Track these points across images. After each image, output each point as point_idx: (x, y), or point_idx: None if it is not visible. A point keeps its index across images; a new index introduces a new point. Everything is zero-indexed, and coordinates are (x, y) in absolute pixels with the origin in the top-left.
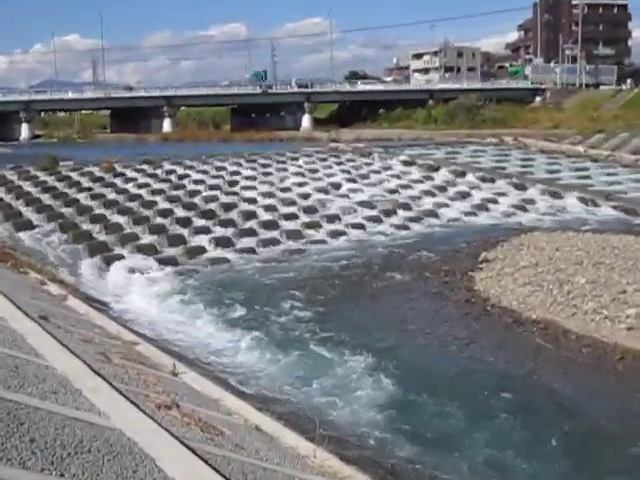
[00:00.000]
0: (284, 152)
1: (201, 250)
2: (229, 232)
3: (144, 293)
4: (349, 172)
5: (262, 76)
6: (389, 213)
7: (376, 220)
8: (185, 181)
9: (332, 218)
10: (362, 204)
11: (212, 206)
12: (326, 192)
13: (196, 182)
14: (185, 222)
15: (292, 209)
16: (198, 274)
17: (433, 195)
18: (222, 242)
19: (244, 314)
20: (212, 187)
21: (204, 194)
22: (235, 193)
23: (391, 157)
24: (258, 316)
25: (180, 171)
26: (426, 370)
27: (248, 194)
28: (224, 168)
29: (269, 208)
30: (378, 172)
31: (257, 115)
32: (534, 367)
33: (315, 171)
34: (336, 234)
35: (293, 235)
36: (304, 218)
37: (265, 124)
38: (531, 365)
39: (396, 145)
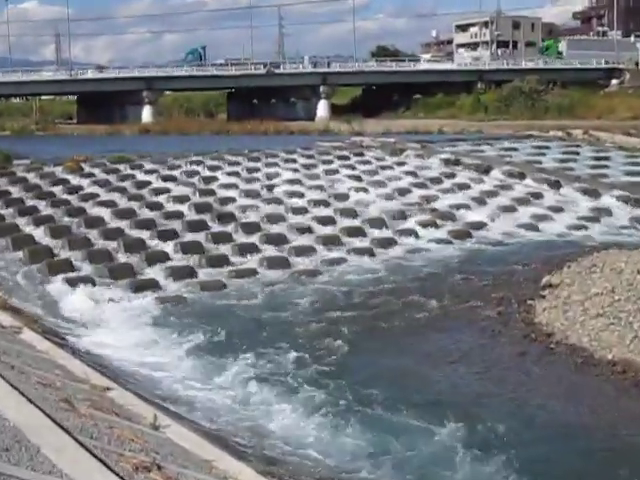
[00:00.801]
0: (294, 149)
1: (189, 272)
2: (224, 249)
3: (118, 325)
4: (375, 173)
5: (199, 55)
6: (426, 225)
7: (410, 234)
8: (170, 184)
9: (355, 232)
10: (393, 215)
11: (205, 216)
12: (345, 198)
13: (185, 184)
14: (170, 236)
15: (303, 219)
16: (185, 302)
17: (483, 203)
18: (215, 261)
19: (243, 361)
20: (204, 193)
21: (194, 201)
22: (232, 200)
23: (429, 155)
24: (260, 363)
25: (164, 172)
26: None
27: (244, 202)
28: (219, 168)
29: (274, 219)
30: (412, 174)
31: (260, 101)
32: (614, 422)
33: (333, 172)
34: (360, 252)
35: (305, 252)
36: (319, 231)
37: (270, 113)
38: (610, 419)
39: (436, 140)
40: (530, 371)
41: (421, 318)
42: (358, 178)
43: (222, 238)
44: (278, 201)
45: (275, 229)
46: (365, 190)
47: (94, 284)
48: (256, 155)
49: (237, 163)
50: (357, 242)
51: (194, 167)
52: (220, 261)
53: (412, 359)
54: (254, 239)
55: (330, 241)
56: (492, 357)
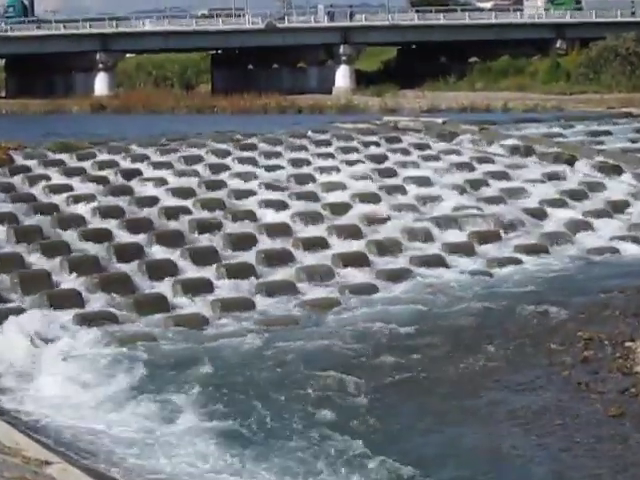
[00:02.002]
0: (303, 132)
1: (158, 301)
2: (205, 271)
3: (58, 376)
4: (415, 166)
5: (20, 10)
6: (487, 238)
7: (464, 250)
8: (133, 182)
9: (386, 248)
10: (439, 223)
11: (178, 225)
12: (377, 200)
13: (153, 180)
14: (133, 252)
15: (316, 230)
16: (150, 344)
17: (564, 206)
18: (194, 287)
19: (238, 444)
20: (178, 193)
21: (164, 204)
22: (221, 205)
23: (490, 141)
24: (261, 451)
25: (125, 164)
26: None
27: (235, 204)
28: (200, 159)
29: (273, 229)
30: (467, 167)
31: (257, 68)
32: None
33: (354, 163)
34: (394, 276)
35: (317, 276)
36: (337, 247)
37: (271, 83)
38: None
39: (499, 120)
40: (631, 440)
41: (480, 367)
42: (390, 173)
43: (203, 256)
44: (313, 198)
45: (277, 244)
46: (401, 190)
47: (31, 317)
48: (251, 142)
49: (226, 153)
50: (390, 261)
51: (166, 157)
52: (200, 287)
53: (472, 427)
54: (248, 257)
55: (353, 261)
56: (578, 421)
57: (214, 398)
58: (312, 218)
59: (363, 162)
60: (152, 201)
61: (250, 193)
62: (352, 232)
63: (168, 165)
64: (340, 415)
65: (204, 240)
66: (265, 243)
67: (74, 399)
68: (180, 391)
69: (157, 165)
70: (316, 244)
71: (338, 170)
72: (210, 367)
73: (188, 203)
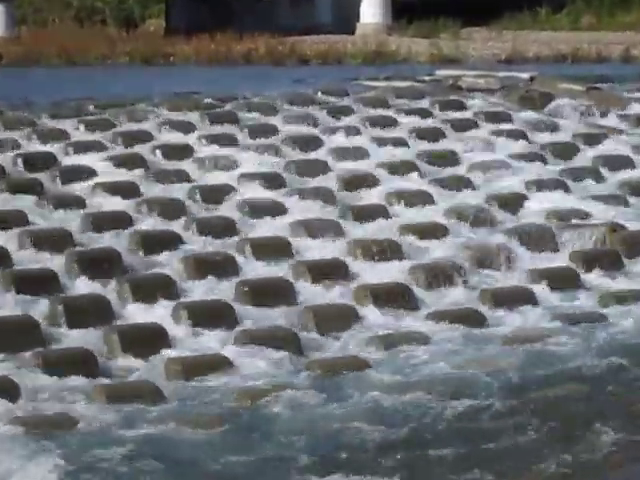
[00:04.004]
0: (312, 93)
1: (85, 361)
2: (162, 308)
3: None
4: (486, 145)
5: None
6: (598, 260)
7: (561, 279)
8: (42, 175)
9: (437, 277)
10: (523, 237)
11: (113, 244)
12: (425, 202)
13: (74, 172)
14: (38, 281)
15: (334, 250)
16: (68, 430)
17: None
18: (137, 342)
19: None
20: (113, 190)
21: (89, 210)
22: (180, 211)
23: (604, 108)
24: None
25: (29, 147)
26: None
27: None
28: (147, 137)
29: (263, 252)
30: (569, 148)
31: None
32: None
33: (387, 143)
34: (454, 318)
35: (328, 318)
36: (363, 276)
37: (260, 18)
38: None
39: (617, 76)
40: None
41: (591, 459)
42: (447, 159)
43: (151, 285)
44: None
45: (274, 270)
46: (464, 186)
47: None
48: (228, 110)
49: (188, 127)
50: (443, 296)
51: (94, 135)
52: (149, 339)
53: None
54: (224, 292)
55: (388, 296)
56: None
57: None
58: (324, 229)
59: (404, 142)
60: (75, 202)
61: (226, 191)
62: (383, 252)
63: (98, 147)
64: None
65: (158, 267)
66: (250, 274)
67: None
68: None
69: (80, 147)
70: (331, 272)
71: (364, 155)
72: None
73: (128, 207)
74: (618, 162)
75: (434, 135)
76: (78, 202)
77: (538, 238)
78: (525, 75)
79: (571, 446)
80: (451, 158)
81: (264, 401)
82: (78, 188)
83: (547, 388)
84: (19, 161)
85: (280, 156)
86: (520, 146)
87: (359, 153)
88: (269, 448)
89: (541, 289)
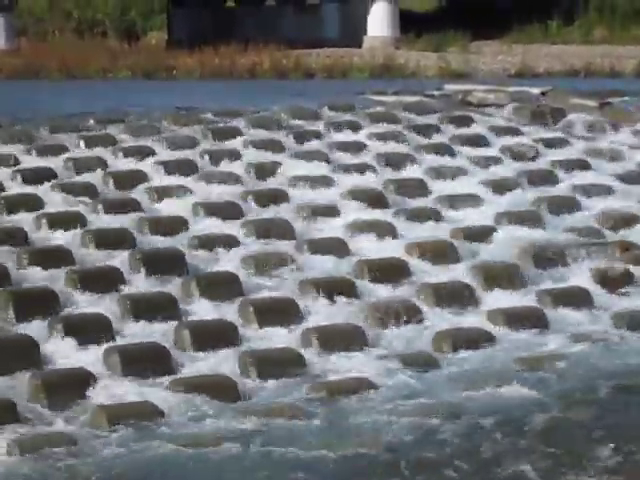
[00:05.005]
0: (318, 108)
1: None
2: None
3: None
4: (495, 162)
5: None
6: (617, 282)
7: (580, 300)
8: (41, 189)
9: (453, 296)
10: (533, 255)
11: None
12: (435, 217)
13: (70, 192)
14: None
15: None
16: None
17: None
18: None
19: None
20: (115, 207)
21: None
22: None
23: (617, 123)
24: None
25: (28, 161)
26: None
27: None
28: (149, 152)
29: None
30: (581, 164)
31: (242, 5)
32: None
33: (400, 160)
34: (471, 337)
35: (341, 343)
36: (375, 293)
37: (265, 30)
38: None
39: (632, 91)
40: None
41: None
42: (457, 176)
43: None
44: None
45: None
46: (471, 204)
47: None
48: (231, 126)
49: (190, 143)
50: (462, 315)
51: (93, 149)
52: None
53: None
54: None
55: (399, 313)
56: None
57: None
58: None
59: (413, 160)
60: (71, 220)
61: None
62: (392, 275)
63: (97, 163)
64: None
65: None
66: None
67: None
68: None
69: (80, 164)
70: (335, 291)
71: (370, 170)
72: None
73: (130, 223)
74: (633, 178)
75: (444, 152)
76: (72, 221)
77: (547, 258)
78: (536, 90)
79: None
80: (458, 176)
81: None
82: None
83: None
84: (17, 177)
85: (278, 176)
86: (531, 165)
87: (363, 170)
88: None
89: (552, 310)
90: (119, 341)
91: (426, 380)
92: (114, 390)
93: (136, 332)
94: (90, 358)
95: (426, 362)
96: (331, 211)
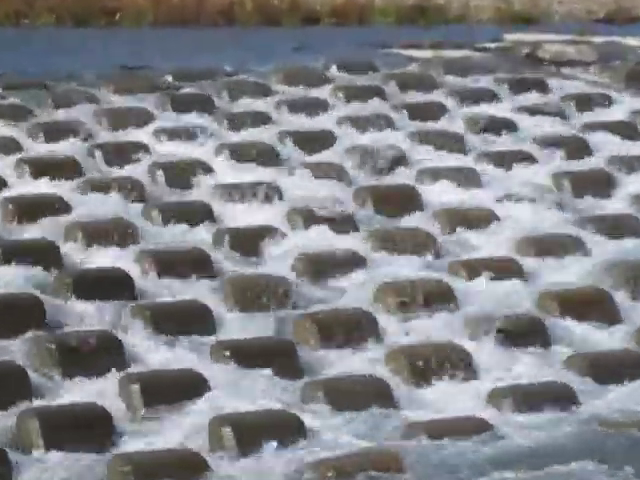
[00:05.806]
0: (323, 66)
1: None
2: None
3: None
4: (583, 147)
5: None
6: None
7: None
8: None
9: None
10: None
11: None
12: (488, 220)
13: None
14: None
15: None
16: None
17: None
18: None
19: None
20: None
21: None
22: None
23: None
24: None
25: None
26: None
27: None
28: (77, 131)
29: None
30: None
31: None
32: None
33: (436, 140)
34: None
35: None
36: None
37: None
38: None
39: None
40: None
41: None
42: (528, 158)
43: None
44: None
45: None
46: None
47: None
48: (199, 92)
49: (144, 117)
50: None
51: (3, 128)
52: None
53: None
54: None
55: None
56: None
57: None
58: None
59: (459, 137)
60: None
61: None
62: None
63: (14, 147)
64: None
65: None
66: None
67: None
68: None
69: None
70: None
71: (401, 159)
72: None
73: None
74: None
75: (504, 127)
76: None
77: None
78: (635, 41)
79: None
80: (528, 159)
81: None
82: None
83: None
84: None
85: (275, 169)
86: (628, 145)
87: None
88: None
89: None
90: None
91: None
92: None
93: None
94: None
95: None
96: None
